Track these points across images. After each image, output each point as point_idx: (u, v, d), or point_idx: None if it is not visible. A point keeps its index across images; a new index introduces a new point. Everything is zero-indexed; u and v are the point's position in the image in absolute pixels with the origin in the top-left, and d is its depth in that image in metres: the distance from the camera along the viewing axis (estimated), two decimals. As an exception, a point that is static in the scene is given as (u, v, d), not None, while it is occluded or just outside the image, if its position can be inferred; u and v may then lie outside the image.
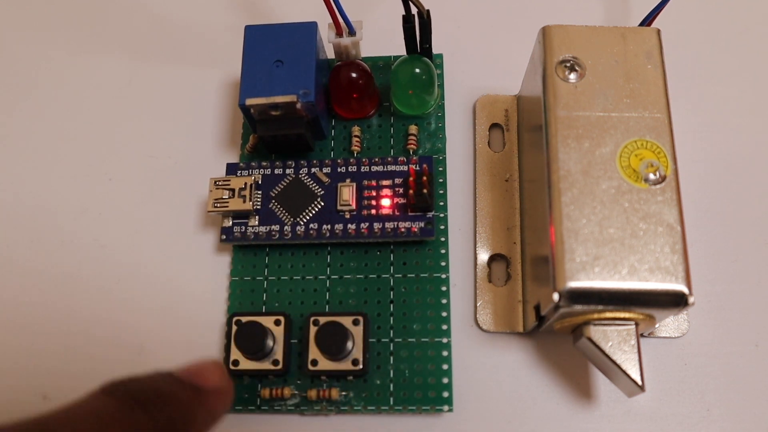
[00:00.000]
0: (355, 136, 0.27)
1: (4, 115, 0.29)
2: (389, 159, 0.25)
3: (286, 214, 0.25)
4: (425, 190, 0.24)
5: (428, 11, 0.24)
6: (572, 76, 0.22)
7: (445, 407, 0.23)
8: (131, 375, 0.17)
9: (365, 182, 0.25)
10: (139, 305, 0.26)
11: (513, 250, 0.25)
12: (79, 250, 0.27)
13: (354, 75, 0.26)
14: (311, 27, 0.25)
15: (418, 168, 0.25)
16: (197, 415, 0.18)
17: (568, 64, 0.22)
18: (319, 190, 0.25)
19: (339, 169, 0.25)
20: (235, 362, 0.23)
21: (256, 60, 0.25)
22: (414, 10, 0.24)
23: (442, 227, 0.25)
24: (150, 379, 0.18)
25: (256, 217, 0.25)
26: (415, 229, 0.24)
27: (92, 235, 0.27)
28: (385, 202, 0.25)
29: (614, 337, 0.21)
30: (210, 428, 0.19)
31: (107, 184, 0.28)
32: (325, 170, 0.25)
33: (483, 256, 0.25)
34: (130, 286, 0.26)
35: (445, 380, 0.23)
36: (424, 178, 0.24)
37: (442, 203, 0.26)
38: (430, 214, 0.24)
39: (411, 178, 0.24)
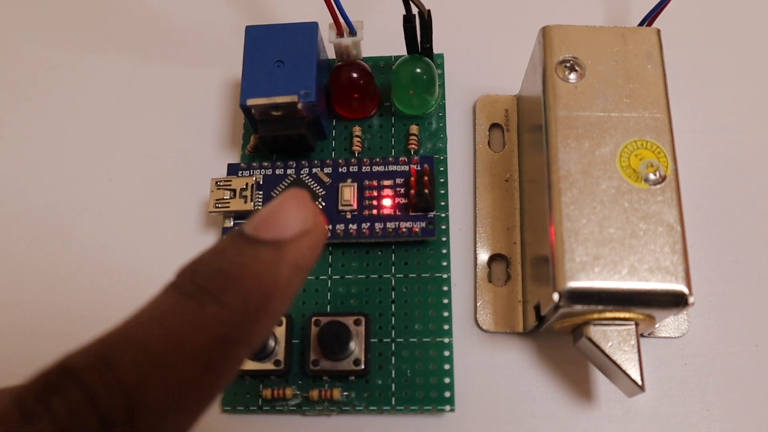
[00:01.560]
0: (356, 136, 0.27)
1: (4, 115, 0.29)
2: (390, 159, 0.25)
3: (287, 214, 0.25)
4: (426, 190, 0.24)
5: (429, 11, 0.24)
6: (572, 76, 0.22)
7: (447, 407, 0.23)
8: (200, 255, 0.15)
9: (366, 182, 0.25)
10: (140, 305, 0.26)
11: (513, 250, 0.25)
12: (79, 250, 0.27)
13: (355, 75, 0.26)
14: (312, 27, 0.25)
15: (419, 168, 0.25)
16: (279, 277, 0.15)
17: (568, 64, 0.22)
18: (320, 190, 0.25)
19: (340, 169, 0.25)
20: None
21: (257, 60, 0.25)
22: (414, 10, 0.24)
23: (444, 227, 0.25)
24: (217, 254, 0.15)
25: (258, 217, 0.25)
26: (417, 229, 0.24)
27: (92, 235, 0.27)
28: (387, 202, 0.25)
29: (614, 337, 0.21)
30: (302, 282, 0.16)
31: (107, 184, 0.28)
32: (326, 170, 0.25)
33: (483, 256, 0.25)
34: (130, 286, 0.26)
35: (447, 380, 0.23)
36: (426, 178, 0.24)
37: (443, 203, 0.26)
38: (431, 214, 0.24)
39: (412, 178, 0.24)
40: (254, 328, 0.14)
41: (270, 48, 0.25)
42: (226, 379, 0.14)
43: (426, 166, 0.25)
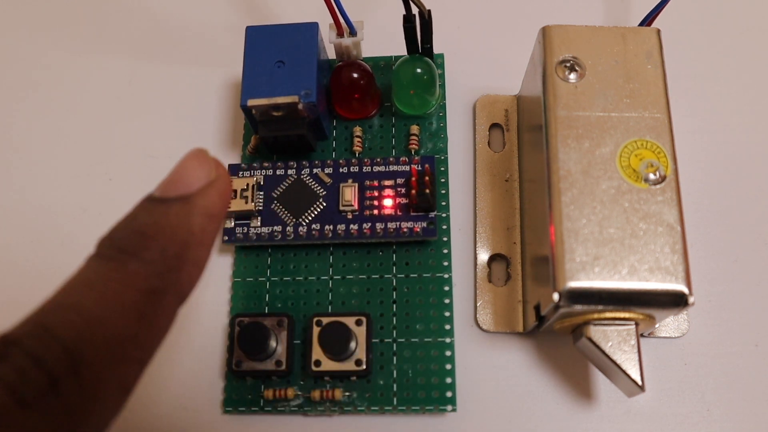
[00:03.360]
0: (357, 136, 0.27)
1: (4, 115, 0.29)
2: (391, 159, 0.25)
3: (288, 214, 0.25)
4: (427, 190, 0.24)
5: (429, 11, 0.24)
6: (572, 76, 0.22)
7: (449, 407, 0.23)
8: (114, 225, 0.16)
9: (367, 182, 0.25)
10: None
11: (513, 250, 0.25)
12: (79, 250, 0.26)
13: (355, 75, 0.26)
14: (312, 27, 0.25)
15: (420, 168, 0.25)
16: (193, 227, 0.16)
17: (568, 64, 0.22)
18: (321, 190, 0.25)
19: (341, 170, 0.25)
20: (239, 363, 0.23)
21: (258, 61, 0.25)
22: (415, 10, 0.24)
23: (444, 227, 0.25)
24: (131, 219, 0.16)
25: (259, 217, 0.25)
26: (418, 229, 0.24)
27: (92, 235, 0.27)
28: (388, 202, 0.25)
29: (614, 337, 0.21)
30: (217, 229, 0.17)
31: (107, 184, 0.28)
32: (326, 170, 0.25)
33: (483, 256, 0.25)
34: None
35: (449, 380, 0.23)
36: (427, 178, 0.24)
37: (444, 203, 0.26)
38: (432, 214, 0.24)
39: (413, 178, 0.24)
40: (178, 276, 0.16)
41: (270, 48, 0.25)
42: (162, 329, 0.16)
43: (427, 166, 0.25)
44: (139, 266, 0.15)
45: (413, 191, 0.24)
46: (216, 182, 0.17)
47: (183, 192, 0.16)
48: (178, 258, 0.16)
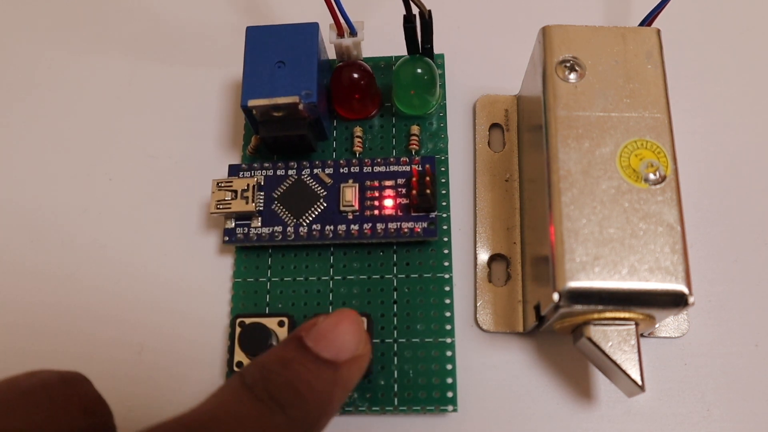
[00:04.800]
0: (357, 136, 0.27)
1: (4, 115, 0.29)
2: (392, 159, 0.25)
3: (289, 215, 0.25)
4: (428, 191, 0.24)
5: (430, 11, 0.24)
6: (572, 76, 0.22)
7: (450, 407, 0.23)
8: (268, 358, 0.17)
9: (368, 183, 0.25)
10: (140, 306, 0.26)
11: (513, 250, 0.25)
12: (79, 250, 0.27)
13: (356, 76, 0.26)
14: (313, 28, 0.25)
15: (420, 168, 0.25)
16: (333, 398, 0.17)
17: (568, 64, 0.22)
18: (322, 191, 0.25)
19: (341, 170, 0.25)
20: (239, 364, 0.23)
21: (258, 61, 0.25)
22: (415, 11, 0.24)
23: (445, 227, 0.25)
24: (285, 367, 0.17)
25: (259, 218, 0.25)
26: (418, 230, 0.24)
27: (92, 235, 0.27)
28: (388, 202, 0.25)
29: (614, 337, 0.21)
30: (344, 401, 0.18)
31: (107, 184, 0.28)
32: (327, 171, 0.25)
33: (483, 256, 0.26)
34: (130, 286, 0.26)
35: (450, 380, 0.23)
36: (427, 178, 0.24)
37: (444, 203, 0.26)
38: (432, 215, 0.24)
39: (414, 179, 0.24)
40: None
41: (271, 48, 0.25)
42: None
43: (428, 166, 0.25)
44: (283, 421, 0.16)
45: (414, 192, 0.24)
46: (361, 358, 0.18)
47: (333, 356, 0.17)
48: (312, 425, 0.17)
